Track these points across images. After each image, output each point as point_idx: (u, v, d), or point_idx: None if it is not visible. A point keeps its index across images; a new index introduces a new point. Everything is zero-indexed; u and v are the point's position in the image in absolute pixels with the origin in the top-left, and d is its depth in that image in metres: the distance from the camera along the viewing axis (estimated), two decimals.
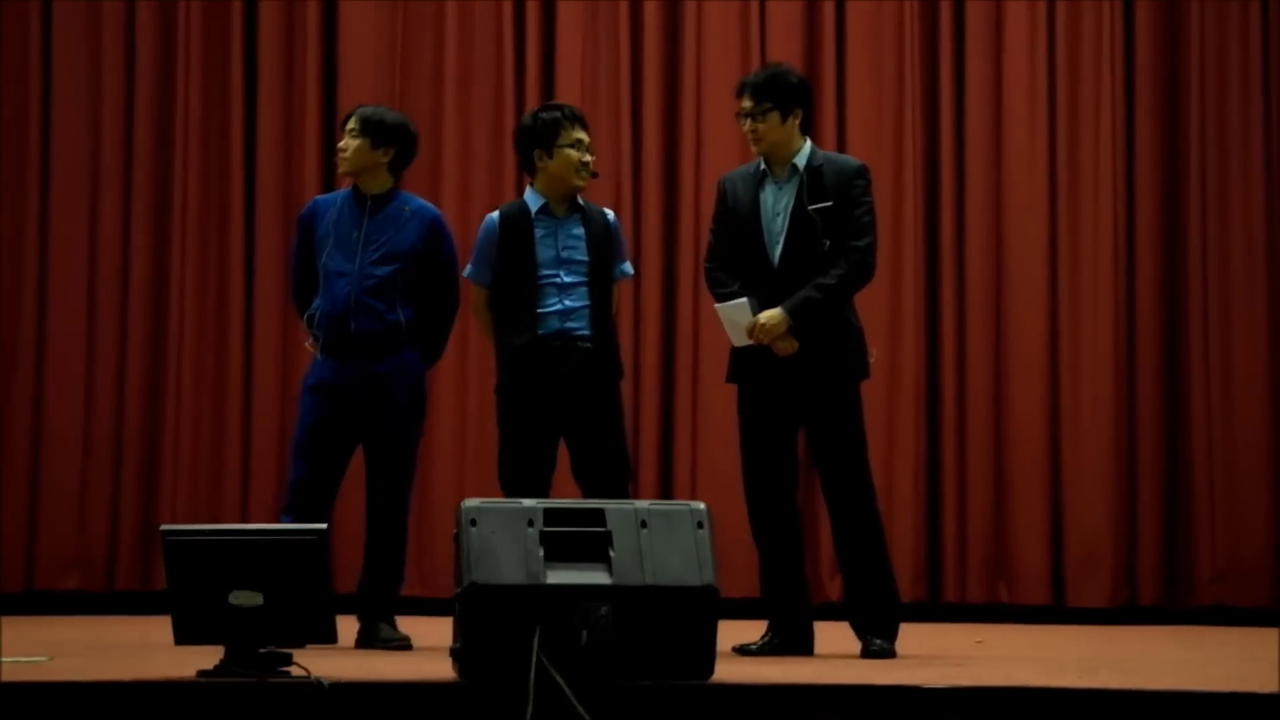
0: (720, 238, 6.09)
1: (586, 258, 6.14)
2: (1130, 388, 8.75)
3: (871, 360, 6.09)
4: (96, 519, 8.74)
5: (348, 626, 5.38)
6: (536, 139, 6.18)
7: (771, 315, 5.87)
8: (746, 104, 6.01)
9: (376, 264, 6.25)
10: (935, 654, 5.87)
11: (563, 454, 6.18)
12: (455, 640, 4.58)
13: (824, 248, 5.89)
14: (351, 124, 6.36)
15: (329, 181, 8.61)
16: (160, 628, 4.99)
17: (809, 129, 6.09)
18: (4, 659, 5.18)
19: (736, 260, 6.01)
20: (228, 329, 8.83)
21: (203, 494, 8.76)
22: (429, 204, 6.52)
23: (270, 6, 8.96)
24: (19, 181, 8.86)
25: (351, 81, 8.87)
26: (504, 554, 4.50)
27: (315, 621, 4.57)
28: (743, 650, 5.90)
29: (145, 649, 5.84)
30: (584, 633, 4.47)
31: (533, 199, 6.19)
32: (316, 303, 6.31)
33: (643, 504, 4.68)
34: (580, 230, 6.17)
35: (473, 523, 4.54)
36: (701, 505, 4.70)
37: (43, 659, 5.29)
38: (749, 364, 5.99)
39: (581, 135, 6.16)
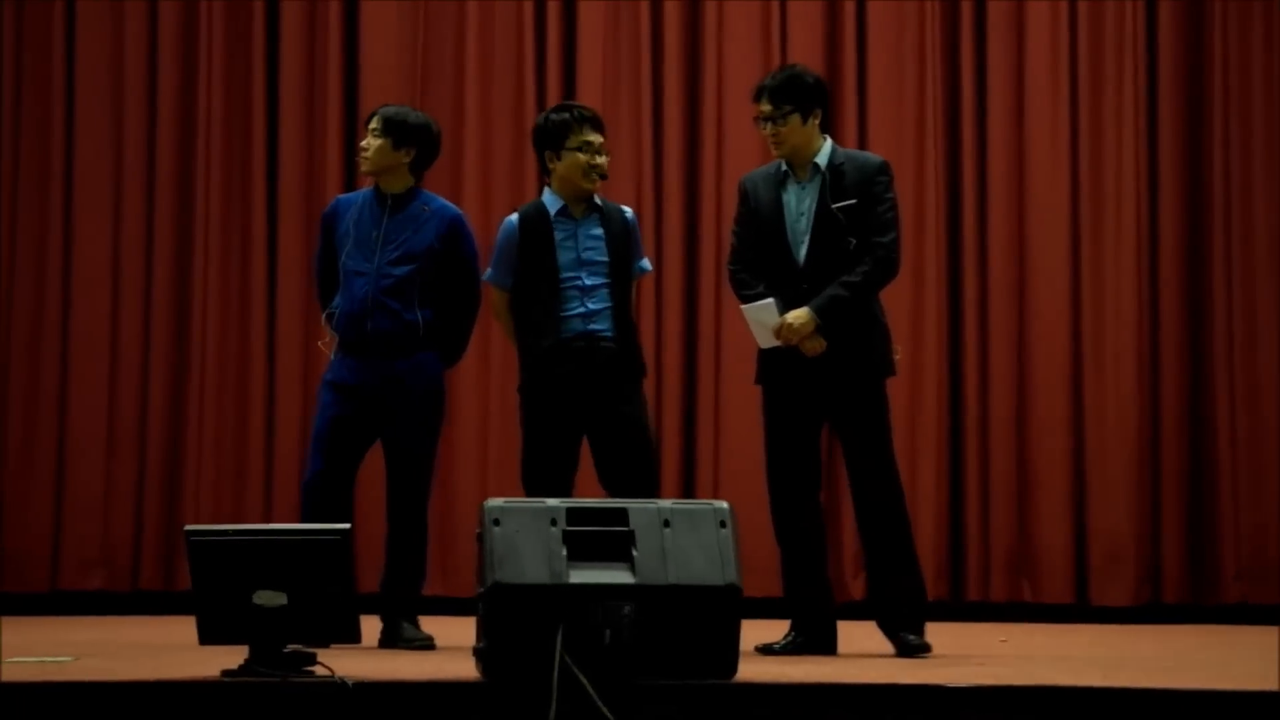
0: (743, 239, 6.08)
1: (606, 258, 6.13)
2: (1153, 385, 8.73)
3: (897, 358, 6.08)
4: (120, 519, 8.76)
5: (371, 626, 5.38)
6: (547, 140, 6.18)
7: (799, 315, 5.86)
8: (766, 108, 5.99)
9: (394, 263, 6.26)
10: (959, 653, 5.86)
11: (586, 455, 6.18)
12: (478, 640, 4.58)
13: (849, 246, 5.89)
14: (374, 124, 6.37)
15: (350, 181, 8.63)
16: (184, 627, 5.00)
17: (827, 128, 6.08)
18: (29, 659, 5.20)
19: (760, 261, 6.00)
20: (250, 329, 8.85)
21: (226, 494, 8.77)
22: (450, 204, 6.51)
23: (292, 6, 8.98)
24: (43, 180, 8.88)
25: (373, 81, 8.87)
26: (527, 553, 4.50)
27: (339, 621, 4.58)
28: (766, 650, 5.89)
29: (169, 649, 5.85)
30: (607, 632, 4.47)
31: (551, 200, 6.19)
32: (336, 301, 6.32)
33: (666, 503, 4.68)
34: (599, 231, 6.16)
35: (496, 522, 4.54)
36: (724, 504, 4.70)
37: (67, 659, 5.30)
38: (777, 365, 5.98)
39: (591, 137, 6.14)
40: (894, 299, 6.11)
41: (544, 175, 6.29)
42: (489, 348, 8.71)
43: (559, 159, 6.15)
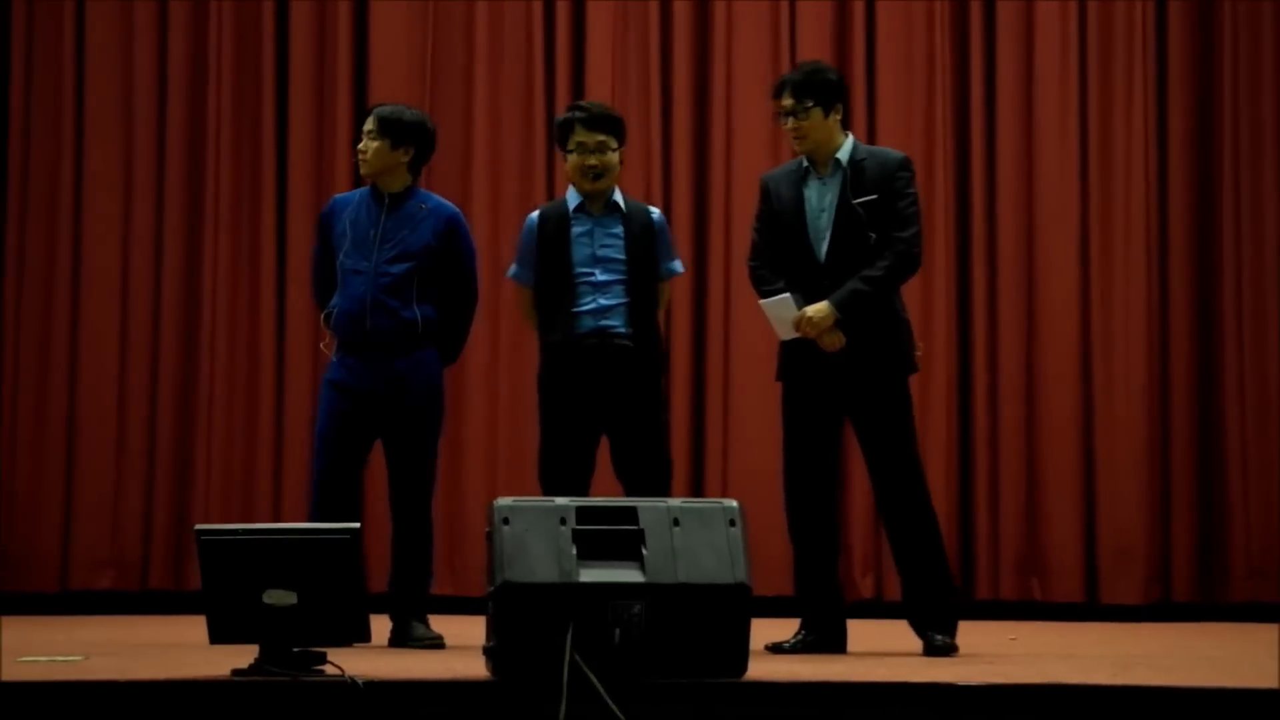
0: (764, 236, 6.07)
1: (623, 256, 6.15)
2: (1163, 382, 8.72)
3: (919, 355, 6.08)
4: (130, 519, 8.77)
5: (381, 625, 5.39)
6: (558, 139, 6.28)
7: (818, 309, 5.86)
8: (787, 102, 5.99)
9: (392, 262, 6.26)
10: (968, 651, 5.86)
11: (604, 451, 6.18)
12: (488, 639, 4.58)
13: (870, 241, 5.88)
14: (370, 125, 6.35)
15: (359, 181, 8.62)
16: (193, 627, 5.01)
17: (847, 124, 6.07)
18: (39, 658, 5.21)
19: (781, 258, 6.00)
20: (260, 329, 8.86)
21: (235, 494, 8.79)
22: (447, 202, 6.51)
23: (301, 6, 8.99)
24: (52, 181, 8.89)
25: (382, 81, 8.88)
26: (537, 552, 4.51)
27: (349, 620, 4.58)
28: (776, 648, 5.89)
29: (179, 648, 5.86)
30: (617, 631, 4.47)
31: (572, 198, 6.23)
32: (334, 300, 6.33)
33: (675, 502, 4.68)
34: (619, 229, 6.18)
35: (505, 521, 4.55)
36: (734, 503, 4.70)
37: (77, 658, 5.31)
38: (797, 361, 5.97)
39: (585, 137, 6.15)
40: (904, 295, 6.10)
41: None
42: (497, 346, 8.73)
43: (566, 159, 6.20)
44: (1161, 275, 8.75)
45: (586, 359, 6.09)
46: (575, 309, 6.11)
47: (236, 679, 4.52)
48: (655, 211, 6.34)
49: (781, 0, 8.92)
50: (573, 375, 6.11)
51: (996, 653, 5.99)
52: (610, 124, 6.22)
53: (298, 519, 8.21)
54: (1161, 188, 8.78)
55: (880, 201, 5.90)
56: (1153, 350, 8.71)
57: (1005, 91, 8.85)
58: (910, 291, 8.09)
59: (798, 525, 6.03)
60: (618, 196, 6.24)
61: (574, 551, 4.52)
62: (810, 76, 6.02)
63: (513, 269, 6.36)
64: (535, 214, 6.34)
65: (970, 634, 5.99)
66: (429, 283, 6.30)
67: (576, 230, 6.17)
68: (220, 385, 8.82)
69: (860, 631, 6.12)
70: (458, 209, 6.49)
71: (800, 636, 5.96)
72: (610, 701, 4.25)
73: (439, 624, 6.35)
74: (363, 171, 6.42)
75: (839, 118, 6.01)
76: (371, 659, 5.07)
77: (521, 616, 4.46)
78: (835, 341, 5.88)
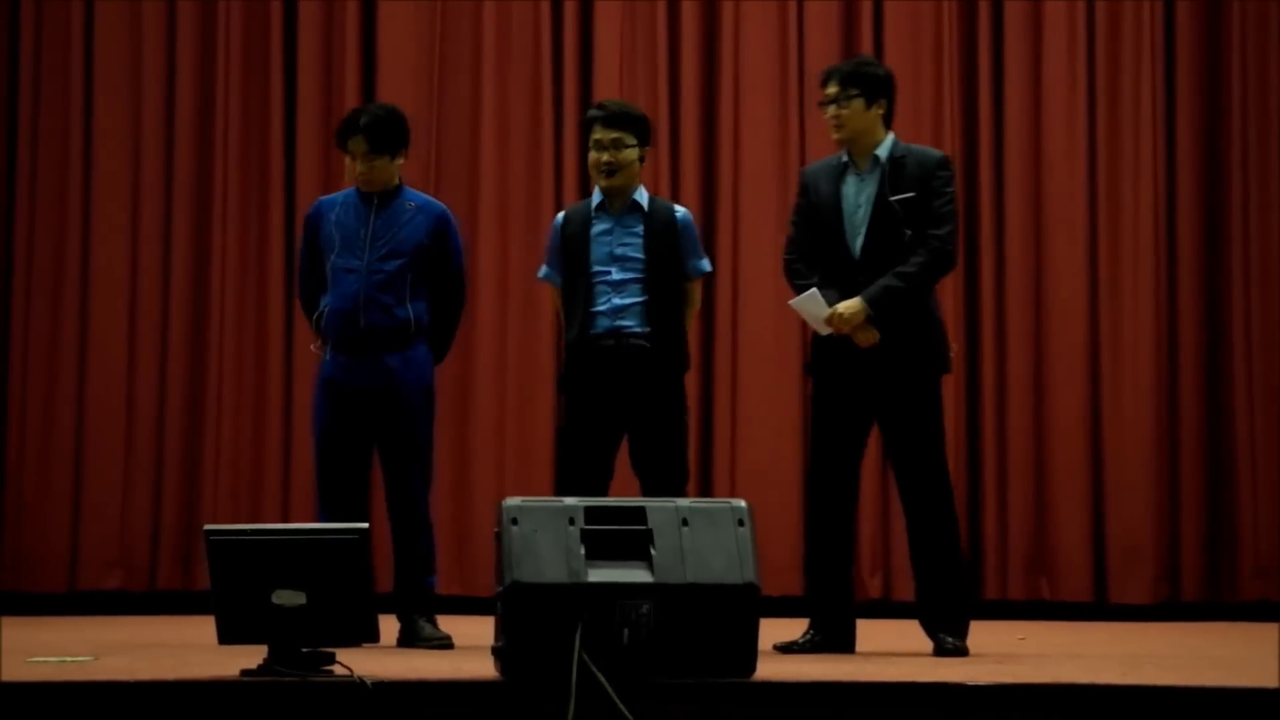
0: (800, 229, 6.06)
1: (642, 255, 6.14)
2: (1171, 381, 8.72)
3: (952, 355, 6.07)
4: (138, 519, 8.78)
5: (389, 626, 5.39)
6: (584, 137, 6.25)
7: (850, 305, 5.84)
8: (832, 90, 5.98)
9: (384, 260, 6.26)
10: (977, 651, 5.86)
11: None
12: (497, 639, 4.58)
13: (906, 238, 5.87)
14: (360, 146, 6.25)
15: None
16: (202, 627, 5.01)
17: (890, 122, 6.06)
18: (50, 659, 5.21)
19: (817, 252, 5.99)
20: (268, 329, 8.86)
21: (244, 494, 8.79)
22: (433, 199, 6.51)
23: (310, 6, 8.99)
24: (61, 181, 8.90)
25: (390, 81, 8.88)
26: (545, 552, 4.51)
27: (358, 620, 4.58)
28: (784, 648, 5.89)
29: (188, 648, 5.86)
30: (625, 631, 4.47)
31: (596, 197, 6.23)
32: (325, 301, 6.33)
33: (684, 502, 4.68)
34: (640, 227, 6.17)
35: (514, 521, 4.55)
36: (743, 503, 4.70)
37: (86, 658, 5.32)
38: (829, 357, 5.96)
39: (599, 134, 6.15)
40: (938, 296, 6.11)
41: None
42: (505, 346, 8.73)
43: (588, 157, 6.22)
44: (1170, 274, 8.75)
45: (603, 359, 6.09)
46: (592, 309, 6.11)
47: (245, 679, 4.52)
48: (680, 209, 6.31)
49: (789, 1, 8.92)
50: (590, 376, 6.11)
51: (1005, 652, 5.98)
52: (627, 121, 6.19)
53: (306, 519, 8.21)
54: (1170, 186, 8.77)
55: (918, 199, 5.89)
56: (1161, 350, 8.70)
57: (1013, 91, 8.85)
58: None
59: (817, 523, 6.02)
60: (640, 195, 6.22)
61: (582, 551, 4.52)
62: (858, 67, 6.04)
63: (542, 269, 6.38)
64: (561, 213, 6.36)
65: (979, 634, 5.99)
66: (420, 280, 6.31)
67: (597, 229, 6.17)
68: (229, 386, 8.83)
69: (869, 631, 6.11)
70: (445, 206, 6.50)
71: (809, 636, 5.95)
72: (619, 701, 4.25)
73: (447, 624, 6.35)
74: (368, 189, 6.34)
75: (882, 113, 5.99)
76: (380, 659, 5.07)
77: (530, 616, 4.46)
78: (870, 338, 5.86)
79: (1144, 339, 8.68)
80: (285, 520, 8.54)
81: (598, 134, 6.16)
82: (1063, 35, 8.82)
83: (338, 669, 4.55)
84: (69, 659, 5.25)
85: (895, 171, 5.92)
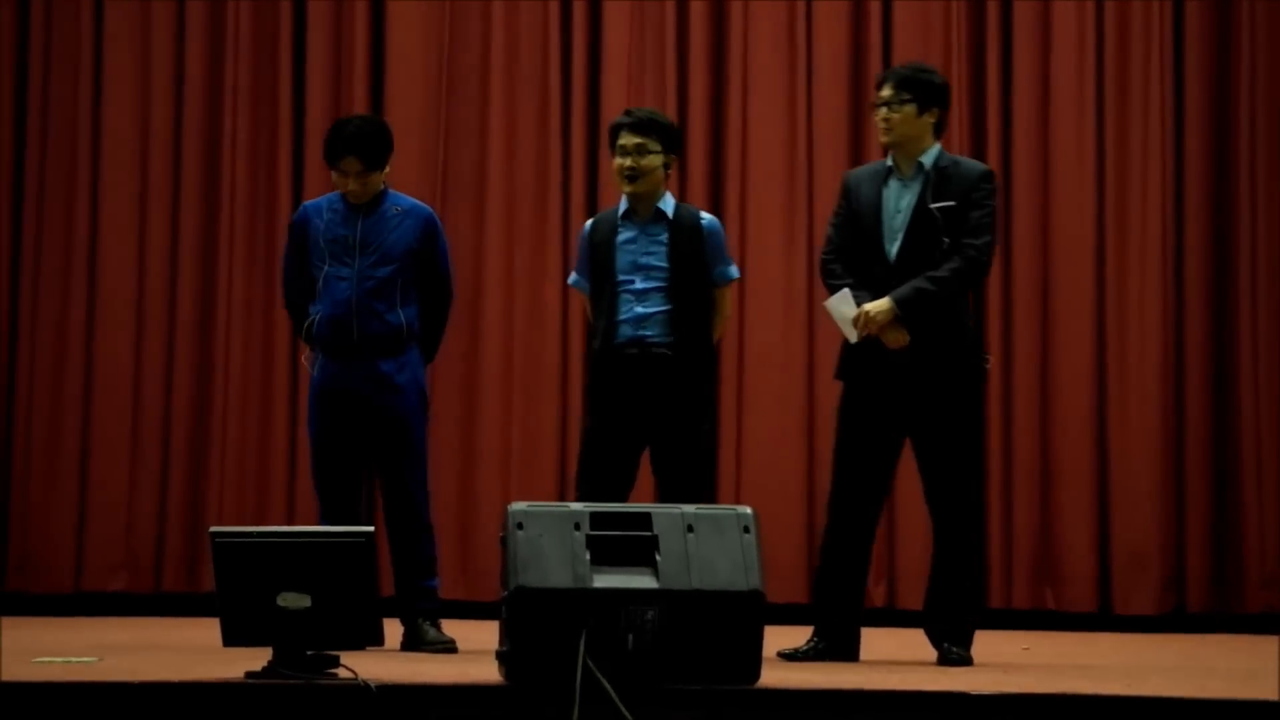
0: (839, 231, 6.06)
1: (665, 264, 6.11)
2: (1178, 391, 8.69)
3: (989, 366, 6.05)
4: (144, 521, 8.78)
5: (393, 629, 5.39)
6: (610, 143, 6.25)
7: (879, 305, 5.84)
8: (886, 93, 5.99)
9: (375, 265, 6.26)
10: (982, 661, 5.85)
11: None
12: (502, 643, 4.58)
13: (943, 246, 5.86)
14: (354, 165, 6.23)
15: None
16: (207, 629, 5.02)
17: (941, 133, 6.06)
18: (55, 659, 5.22)
19: (854, 255, 5.99)
20: (274, 331, 8.85)
21: (249, 496, 8.79)
22: (420, 202, 6.49)
23: (318, 7, 8.99)
24: (69, 183, 8.90)
25: (399, 82, 8.88)
26: (551, 557, 4.51)
27: (362, 624, 4.59)
28: (788, 655, 5.88)
29: (193, 650, 5.87)
30: (630, 636, 4.47)
31: (623, 203, 6.21)
32: (316, 308, 6.32)
33: (689, 508, 4.69)
34: (664, 235, 6.14)
35: (520, 526, 4.55)
36: (748, 510, 4.70)
37: (91, 660, 5.32)
38: (859, 363, 5.94)
39: (623, 140, 6.13)
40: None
41: None
42: (511, 352, 8.73)
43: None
44: (1177, 279, 8.72)
45: (626, 368, 6.07)
46: (616, 318, 6.09)
47: (250, 681, 4.53)
48: (706, 216, 6.26)
49: (798, 2, 8.91)
50: (613, 385, 6.09)
51: (1010, 662, 5.98)
52: (651, 128, 6.15)
53: (311, 522, 8.21)
54: (1178, 187, 8.75)
55: (958, 209, 5.89)
56: (1167, 357, 8.67)
57: (1021, 91, 8.83)
58: None
59: (836, 532, 5.98)
60: (666, 203, 6.19)
61: (588, 557, 4.52)
62: (916, 73, 6.05)
63: (572, 276, 6.39)
64: (590, 221, 6.35)
65: (983, 643, 5.98)
66: (410, 284, 6.32)
67: (622, 237, 6.15)
68: (234, 387, 8.82)
69: (873, 640, 6.11)
70: (431, 208, 6.50)
71: (813, 644, 5.95)
72: (623, 707, 4.25)
73: (452, 628, 6.35)
74: (360, 201, 6.32)
75: (933, 121, 5.99)
76: (384, 663, 5.07)
77: (535, 621, 4.47)
78: (898, 339, 5.85)
79: (1150, 348, 8.65)
80: (290, 523, 8.53)
81: (622, 139, 6.14)
82: (1072, 37, 8.81)
83: (342, 672, 4.56)
84: (74, 660, 5.26)
85: (939, 180, 5.92)
